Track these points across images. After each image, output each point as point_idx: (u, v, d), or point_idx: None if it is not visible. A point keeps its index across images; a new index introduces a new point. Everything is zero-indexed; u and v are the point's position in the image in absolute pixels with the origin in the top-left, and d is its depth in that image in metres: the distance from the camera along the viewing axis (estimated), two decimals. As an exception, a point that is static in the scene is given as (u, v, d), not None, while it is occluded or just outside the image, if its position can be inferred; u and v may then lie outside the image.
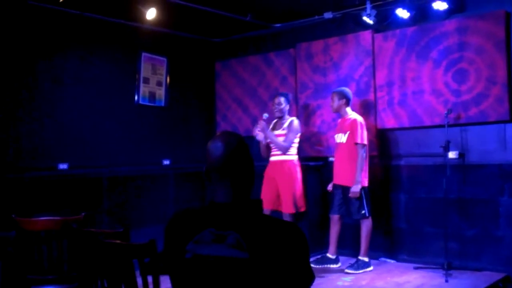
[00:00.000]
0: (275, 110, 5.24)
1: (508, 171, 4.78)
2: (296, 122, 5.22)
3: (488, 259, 4.84)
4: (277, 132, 5.20)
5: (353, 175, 4.91)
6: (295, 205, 5.08)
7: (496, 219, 4.82)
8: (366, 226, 4.98)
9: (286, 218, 5.03)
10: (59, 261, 3.44)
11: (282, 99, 5.23)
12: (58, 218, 3.50)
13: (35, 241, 3.46)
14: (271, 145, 5.19)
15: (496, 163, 4.84)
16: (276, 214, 5.09)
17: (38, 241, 3.45)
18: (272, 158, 5.20)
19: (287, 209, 5.07)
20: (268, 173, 5.20)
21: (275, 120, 5.34)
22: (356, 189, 4.87)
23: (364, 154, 4.95)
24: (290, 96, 5.43)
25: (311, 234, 5.59)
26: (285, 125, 5.19)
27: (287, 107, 5.28)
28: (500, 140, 4.84)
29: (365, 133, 4.99)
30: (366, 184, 4.98)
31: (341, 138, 5.08)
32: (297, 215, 5.15)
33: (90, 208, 5.06)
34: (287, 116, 5.27)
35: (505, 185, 4.79)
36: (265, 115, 5.19)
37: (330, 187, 5.23)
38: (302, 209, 5.18)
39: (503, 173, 4.80)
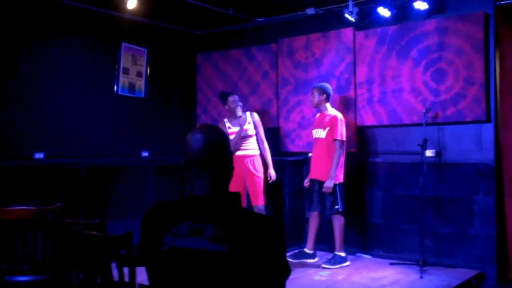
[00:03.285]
0: (237, 108, 5.24)
1: (483, 170, 4.86)
2: (256, 115, 5.39)
3: (462, 256, 4.92)
4: (245, 127, 5.26)
5: (329, 170, 4.95)
6: (264, 196, 5.25)
7: (471, 217, 4.90)
8: (338, 222, 5.02)
9: (259, 210, 5.11)
10: (33, 251, 3.40)
11: (237, 96, 5.36)
12: (32, 208, 3.45)
13: (9, 230, 3.40)
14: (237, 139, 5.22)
15: (472, 162, 4.92)
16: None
17: (12, 230, 3.40)
18: (241, 153, 5.20)
19: (261, 201, 5.20)
20: (236, 168, 5.17)
21: (226, 119, 5.38)
22: (329, 184, 4.92)
23: (342, 151, 5.00)
24: None
25: (289, 229, 5.62)
26: (249, 119, 5.30)
27: None
28: (476, 139, 4.92)
29: (344, 129, 5.03)
30: (341, 180, 5.03)
31: (319, 133, 5.11)
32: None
33: (67, 199, 5.00)
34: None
35: (480, 184, 4.87)
36: (240, 112, 5.26)
37: (306, 182, 5.26)
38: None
39: (478, 172, 4.88)
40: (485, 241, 4.82)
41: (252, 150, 5.27)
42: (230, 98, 5.32)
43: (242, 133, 5.22)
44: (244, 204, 5.18)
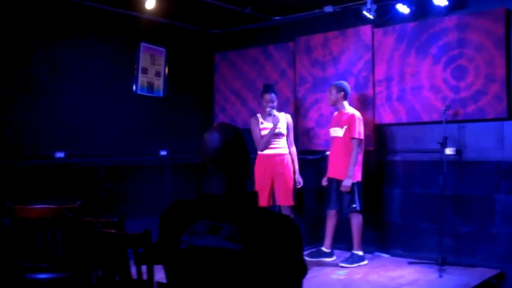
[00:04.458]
0: (269, 108, 5.10)
1: (504, 169, 4.79)
2: (290, 117, 5.26)
3: (482, 255, 4.86)
4: (278, 125, 5.11)
5: (347, 169, 4.92)
6: (294, 197, 5.11)
7: (492, 216, 4.83)
8: (356, 220, 4.98)
9: (287, 211, 5.04)
10: (53, 249, 3.45)
11: (274, 95, 5.15)
12: (53, 206, 3.50)
13: (30, 229, 3.45)
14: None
15: (493, 160, 4.85)
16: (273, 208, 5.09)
17: (33, 229, 3.45)
18: (271, 151, 5.10)
19: (288, 202, 5.07)
20: (263, 167, 5.10)
21: (259, 115, 5.22)
22: (347, 183, 4.89)
23: (360, 149, 4.96)
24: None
25: (307, 227, 5.60)
26: (283, 119, 5.14)
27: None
28: (497, 137, 4.85)
29: (362, 128, 5.00)
30: (359, 178, 4.99)
31: (337, 132, 5.08)
32: (295, 207, 5.19)
33: (86, 197, 5.05)
34: (276, 111, 5.18)
35: (501, 182, 4.80)
36: (274, 111, 5.12)
37: (325, 181, 5.23)
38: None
39: (499, 170, 4.81)
40: (506, 240, 4.75)
41: (283, 149, 5.12)
42: (267, 96, 5.14)
43: (276, 131, 5.08)
44: (270, 203, 5.08)
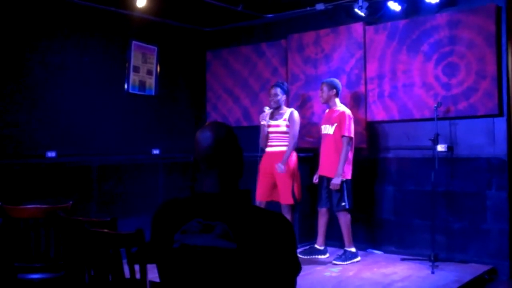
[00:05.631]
0: (271, 102, 5.11)
1: (496, 165, 4.82)
2: (296, 114, 5.11)
3: (474, 251, 4.90)
4: (277, 122, 5.08)
5: (337, 167, 4.92)
6: (294, 196, 5.02)
7: (483, 212, 4.87)
8: (344, 219, 4.97)
9: (285, 209, 5.01)
10: (46, 249, 3.43)
11: (278, 90, 5.10)
12: (45, 206, 3.48)
13: (22, 229, 3.44)
14: (271, 135, 5.10)
15: (484, 156, 4.88)
16: (272, 205, 5.07)
17: (25, 229, 3.43)
18: (270, 149, 5.10)
19: (286, 200, 5.01)
20: (264, 164, 5.10)
21: (270, 110, 5.13)
22: (336, 181, 4.89)
23: (350, 147, 4.96)
24: (286, 85, 5.31)
25: (300, 225, 5.61)
26: (286, 116, 5.08)
27: (284, 98, 5.18)
28: (488, 134, 4.88)
29: (352, 126, 5.00)
30: (349, 177, 4.98)
31: (328, 129, 5.08)
32: (295, 206, 5.15)
33: (79, 197, 5.03)
34: (284, 107, 5.18)
35: (492, 178, 4.83)
36: (266, 108, 5.11)
37: (315, 179, 5.24)
38: (299, 200, 5.11)
39: (491, 166, 4.84)
40: (498, 236, 4.78)
41: (283, 147, 5.03)
42: (270, 90, 5.14)
43: (270, 129, 5.06)
44: (263, 199, 5.04)
